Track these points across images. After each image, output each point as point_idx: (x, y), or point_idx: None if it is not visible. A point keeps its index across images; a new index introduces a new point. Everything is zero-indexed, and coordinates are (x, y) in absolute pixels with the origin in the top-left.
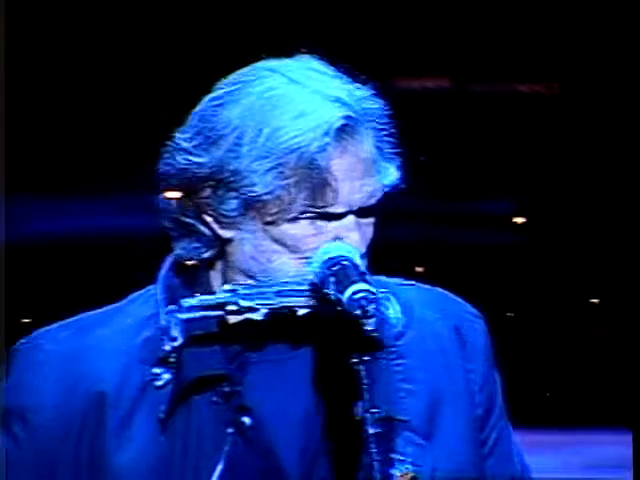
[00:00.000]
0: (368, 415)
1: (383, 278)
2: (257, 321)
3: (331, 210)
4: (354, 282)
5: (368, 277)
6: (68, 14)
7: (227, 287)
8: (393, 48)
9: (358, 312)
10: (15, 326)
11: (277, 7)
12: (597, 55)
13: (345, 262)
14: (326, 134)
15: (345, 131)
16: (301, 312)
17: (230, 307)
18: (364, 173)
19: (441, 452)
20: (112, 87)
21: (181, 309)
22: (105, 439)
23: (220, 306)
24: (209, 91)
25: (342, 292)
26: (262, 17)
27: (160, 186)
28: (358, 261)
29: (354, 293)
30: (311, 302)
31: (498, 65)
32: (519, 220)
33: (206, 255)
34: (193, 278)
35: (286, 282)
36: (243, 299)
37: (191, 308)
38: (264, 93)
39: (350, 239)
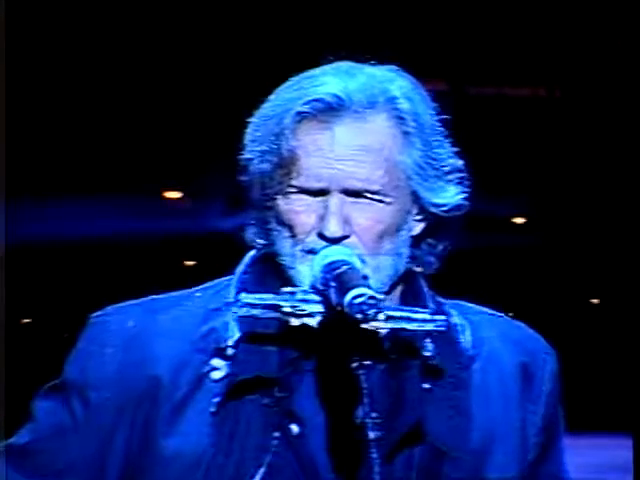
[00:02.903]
0: (368, 420)
1: (464, 303)
2: (312, 327)
3: (303, 182)
4: (355, 286)
5: (370, 281)
6: (70, 14)
7: (287, 289)
8: (389, 51)
9: (359, 316)
10: (15, 326)
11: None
12: (597, 58)
13: (346, 266)
14: (305, 104)
15: (332, 109)
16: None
17: (286, 309)
18: (352, 155)
19: None
20: (116, 89)
21: (239, 304)
22: (157, 423)
23: (276, 307)
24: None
25: (343, 296)
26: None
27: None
28: (359, 265)
29: (355, 297)
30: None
31: (496, 68)
32: (519, 221)
33: (262, 242)
34: (265, 274)
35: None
36: (300, 302)
37: (248, 305)
38: (297, 77)
39: (326, 220)
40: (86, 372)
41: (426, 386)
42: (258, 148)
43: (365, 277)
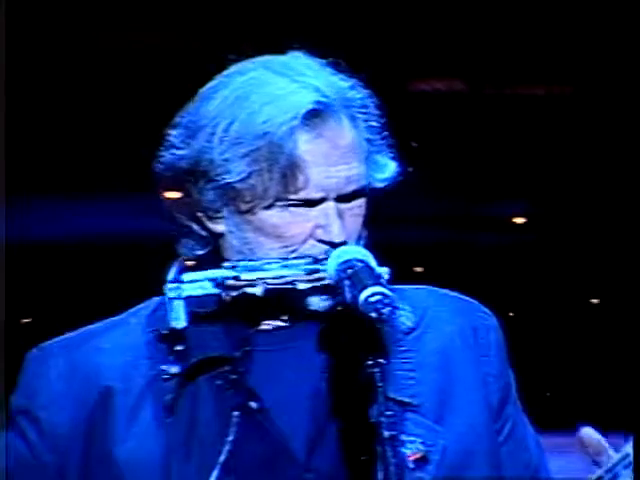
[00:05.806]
0: (383, 419)
1: (395, 286)
2: (258, 299)
3: (304, 195)
4: (369, 285)
5: (383, 280)
6: (70, 14)
7: (228, 264)
8: (406, 50)
9: (373, 314)
10: (15, 326)
11: (286, 8)
12: (610, 59)
13: (359, 265)
14: (294, 118)
15: (318, 116)
16: (301, 286)
17: (230, 281)
18: (341, 159)
19: (452, 434)
20: (115, 86)
21: (183, 282)
22: (113, 432)
23: (221, 279)
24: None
25: (357, 295)
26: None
27: (157, 185)
28: (373, 264)
29: (369, 296)
30: (310, 277)
31: (509, 68)
32: (519, 221)
33: (200, 252)
34: None
35: (286, 258)
36: (243, 272)
37: (192, 281)
38: (243, 84)
39: (330, 227)
40: (32, 396)
41: (381, 362)
42: (245, 167)
43: (379, 276)
